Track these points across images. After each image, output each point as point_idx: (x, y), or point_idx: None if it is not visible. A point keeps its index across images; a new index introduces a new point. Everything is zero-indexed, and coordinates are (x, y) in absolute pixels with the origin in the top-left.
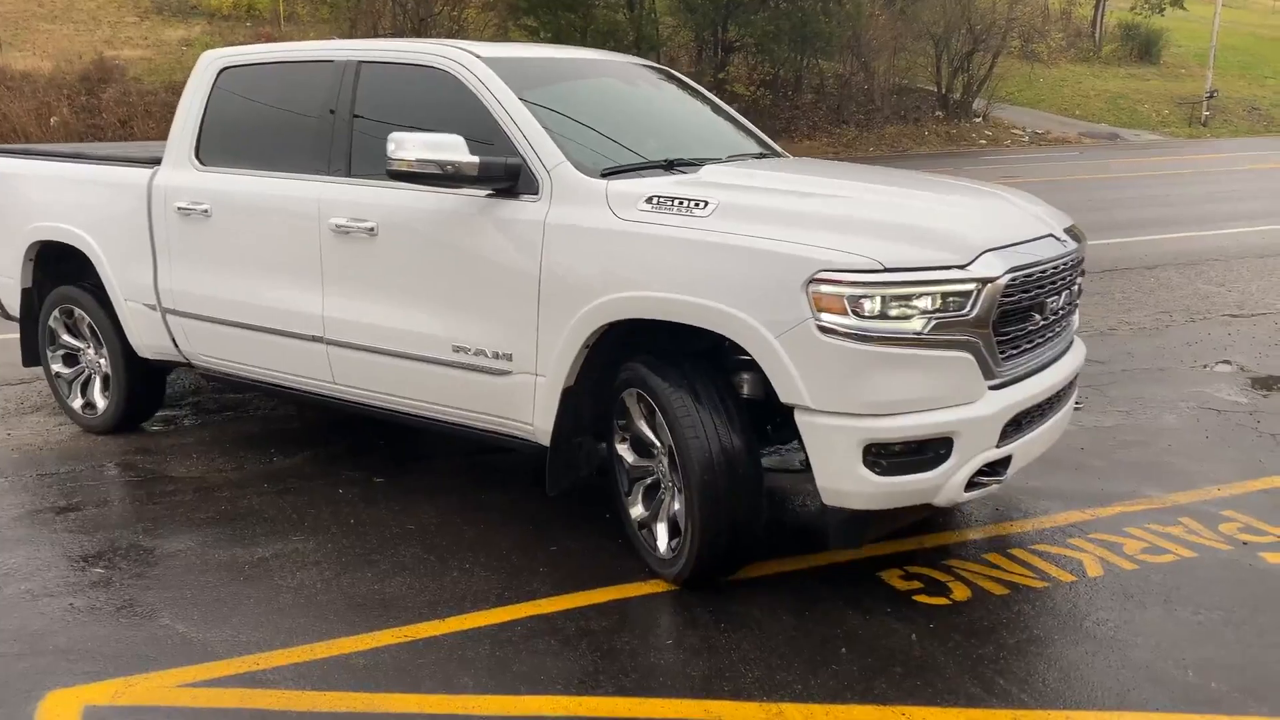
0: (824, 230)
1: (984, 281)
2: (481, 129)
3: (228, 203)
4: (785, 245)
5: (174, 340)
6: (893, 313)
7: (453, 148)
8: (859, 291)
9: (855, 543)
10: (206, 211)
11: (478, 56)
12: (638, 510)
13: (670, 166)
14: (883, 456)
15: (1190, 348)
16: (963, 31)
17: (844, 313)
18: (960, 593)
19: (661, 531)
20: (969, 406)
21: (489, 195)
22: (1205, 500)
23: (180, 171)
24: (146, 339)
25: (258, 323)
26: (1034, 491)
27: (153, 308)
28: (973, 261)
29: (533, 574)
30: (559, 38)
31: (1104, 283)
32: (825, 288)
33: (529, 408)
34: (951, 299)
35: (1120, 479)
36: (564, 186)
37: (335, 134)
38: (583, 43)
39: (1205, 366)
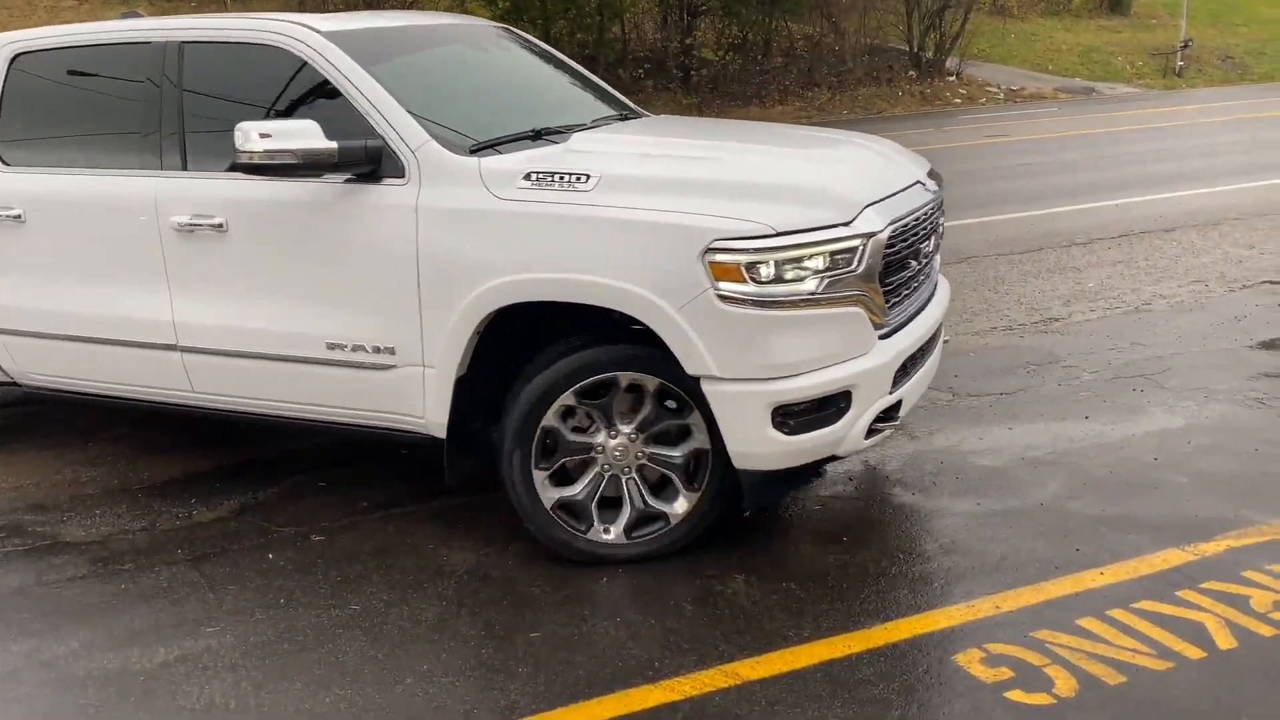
0: (712, 198)
1: (868, 236)
2: (331, 110)
3: (45, 206)
4: (677, 216)
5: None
6: (787, 276)
7: (307, 134)
8: (754, 258)
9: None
10: (19, 217)
11: (316, 30)
12: (573, 491)
13: (538, 136)
14: (790, 416)
15: (1241, 323)
16: None
17: (742, 280)
18: (1065, 684)
19: (621, 519)
20: (864, 359)
21: (348, 181)
22: None
23: None
24: None
25: (95, 334)
26: (1113, 522)
27: None
28: (856, 218)
29: (510, 676)
30: (517, 9)
31: (1123, 250)
32: (721, 256)
33: (419, 400)
34: (840, 257)
35: (1214, 500)
36: (432, 167)
37: (164, 124)
38: (543, 12)
39: (1268, 345)
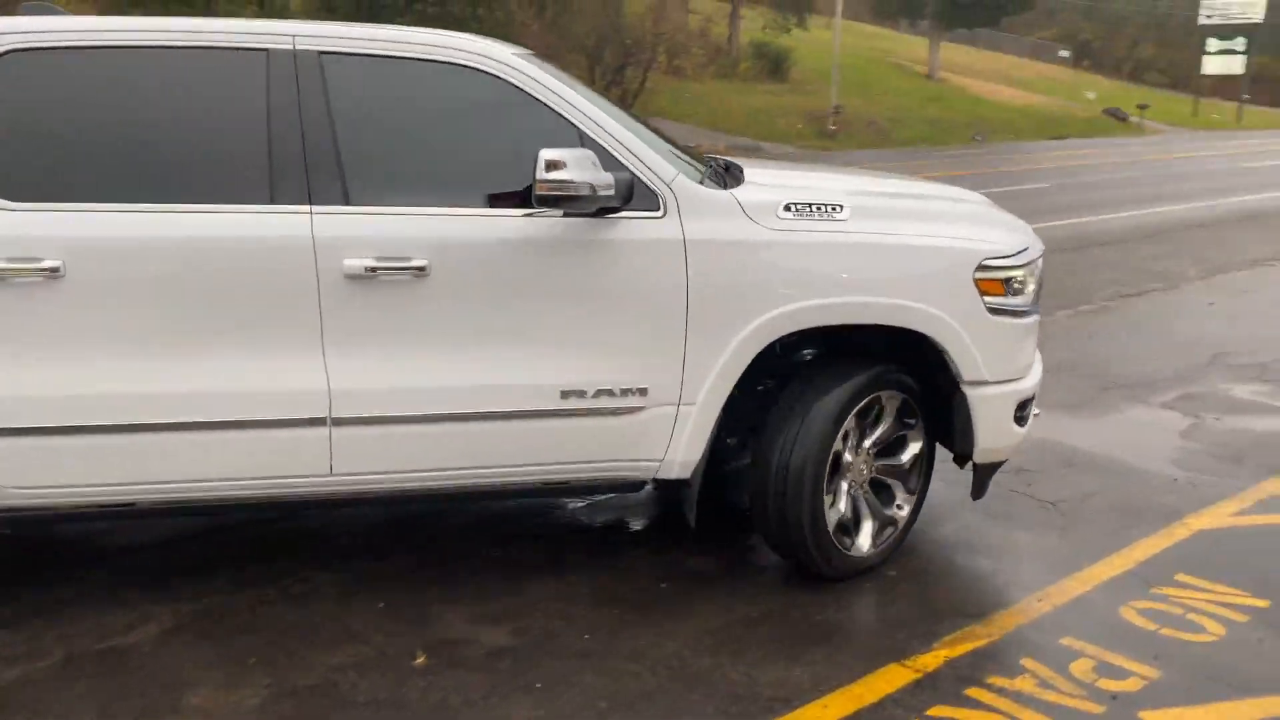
0: (958, 225)
1: (1040, 259)
2: (539, 139)
3: (102, 255)
4: (948, 240)
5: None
6: (1026, 289)
7: (588, 165)
8: (1010, 274)
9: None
10: (55, 271)
11: (518, 55)
12: (842, 510)
13: (727, 171)
14: (1022, 410)
15: None
16: (614, 45)
17: (1003, 293)
18: None
19: (866, 530)
20: (1038, 361)
21: (594, 215)
22: (1034, 623)
23: None
24: None
25: (170, 419)
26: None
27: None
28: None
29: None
30: None
31: None
32: (989, 274)
33: (662, 442)
34: (1039, 275)
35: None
36: (689, 201)
37: (306, 148)
38: None
39: None
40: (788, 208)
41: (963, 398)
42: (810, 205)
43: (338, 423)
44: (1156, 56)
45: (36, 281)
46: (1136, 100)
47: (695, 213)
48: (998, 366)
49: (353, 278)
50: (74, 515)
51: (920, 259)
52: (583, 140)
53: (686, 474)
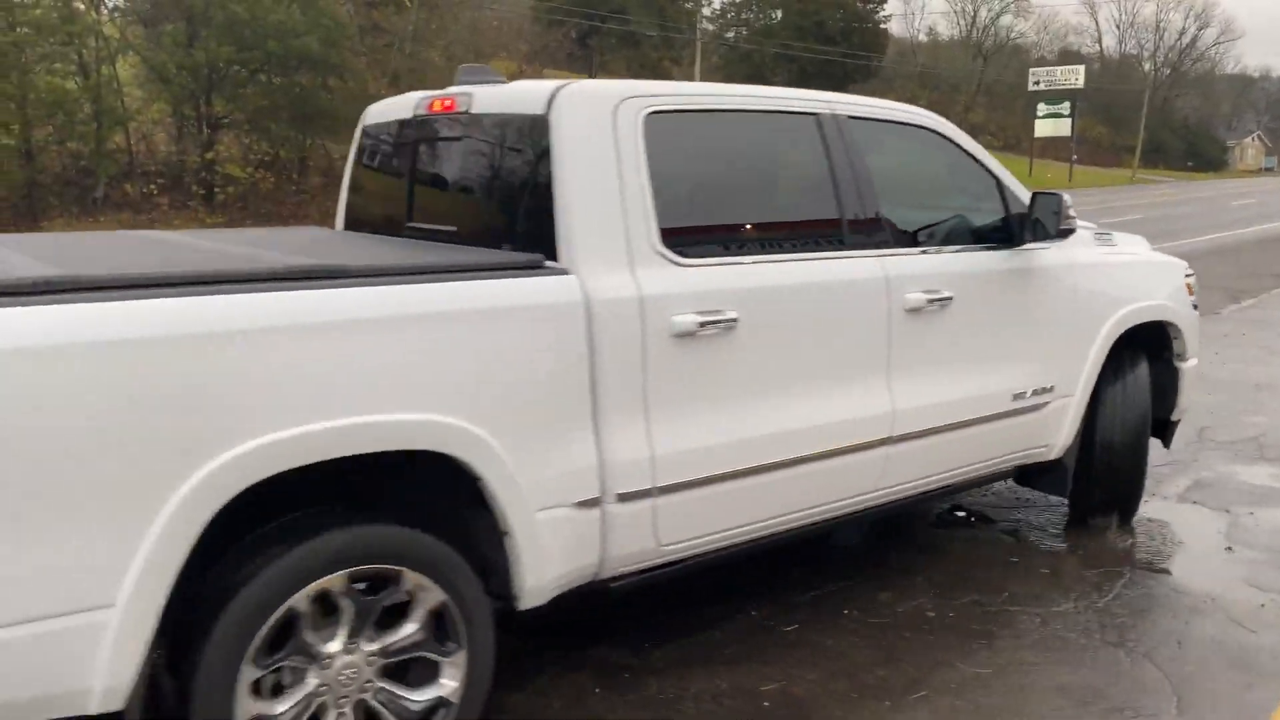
0: (1138, 245)
1: None
2: (965, 185)
3: (764, 305)
4: (1162, 256)
5: (648, 537)
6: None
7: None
8: (1191, 279)
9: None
10: (731, 324)
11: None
12: None
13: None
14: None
15: None
16: None
17: (1193, 293)
18: None
19: None
20: None
21: (1013, 248)
22: None
23: (642, 271)
24: (560, 564)
25: (799, 452)
26: None
27: (591, 504)
28: None
29: None
30: None
31: None
32: (1188, 279)
33: (1055, 430)
34: None
35: None
36: (1053, 233)
37: (861, 199)
38: (20, 116)
39: None
40: (1096, 235)
41: (1178, 370)
42: (1099, 234)
43: (894, 440)
44: (988, 120)
45: (717, 334)
46: None
47: (1060, 244)
48: (1193, 347)
49: (911, 310)
50: (701, 563)
51: (1168, 272)
52: (1000, 187)
53: (1062, 454)
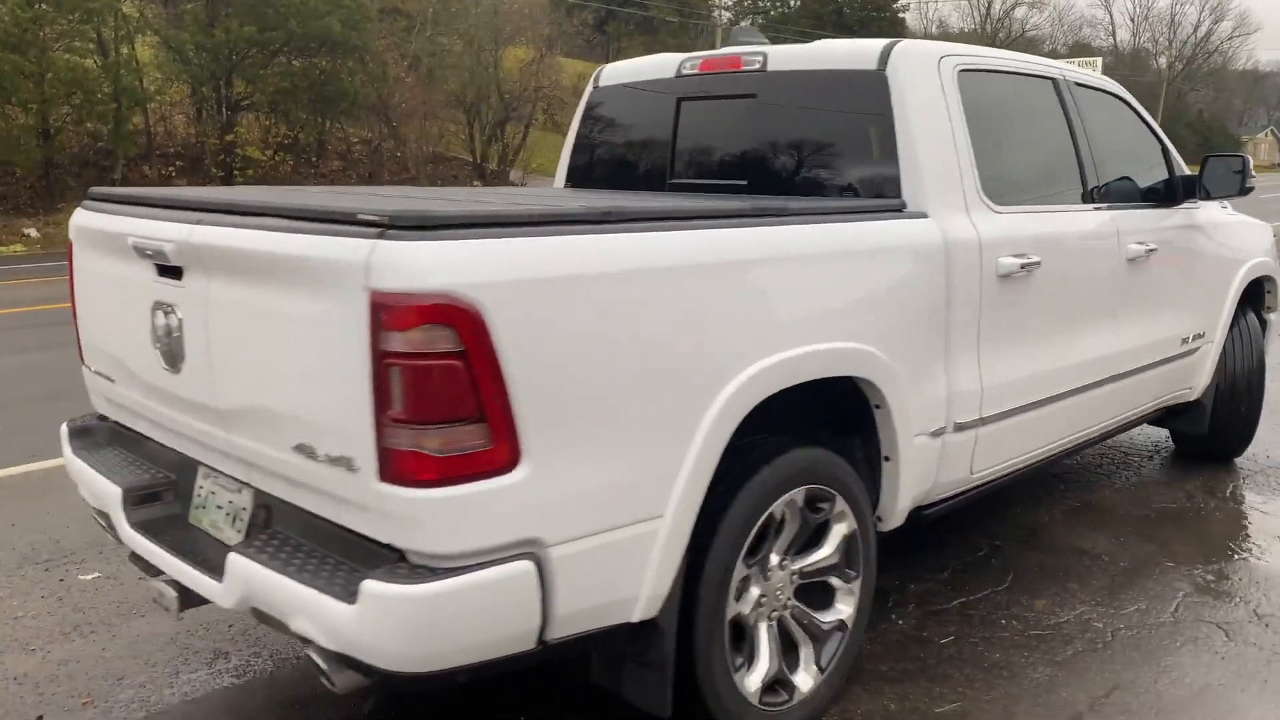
0: None
1: None
2: (1143, 148)
3: (1055, 250)
4: (1259, 221)
5: (966, 466)
6: None
7: None
8: None
9: None
10: (1035, 266)
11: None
12: None
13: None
14: None
15: None
16: (493, 100)
17: None
18: None
19: None
20: None
21: (1174, 206)
22: None
23: (975, 216)
24: (912, 490)
25: (1067, 388)
26: None
27: (939, 433)
28: None
29: None
30: (2, 90)
31: None
32: None
33: (1201, 372)
34: None
35: None
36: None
37: (1083, 159)
38: (39, 95)
39: None
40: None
41: (1267, 322)
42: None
43: (1118, 378)
44: None
45: (1026, 276)
46: None
47: (1208, 205)
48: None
49: (1130, 260)
50: (978, 493)
51: (1265, 233)
52: (1165, 151)
53: (1201, 395)
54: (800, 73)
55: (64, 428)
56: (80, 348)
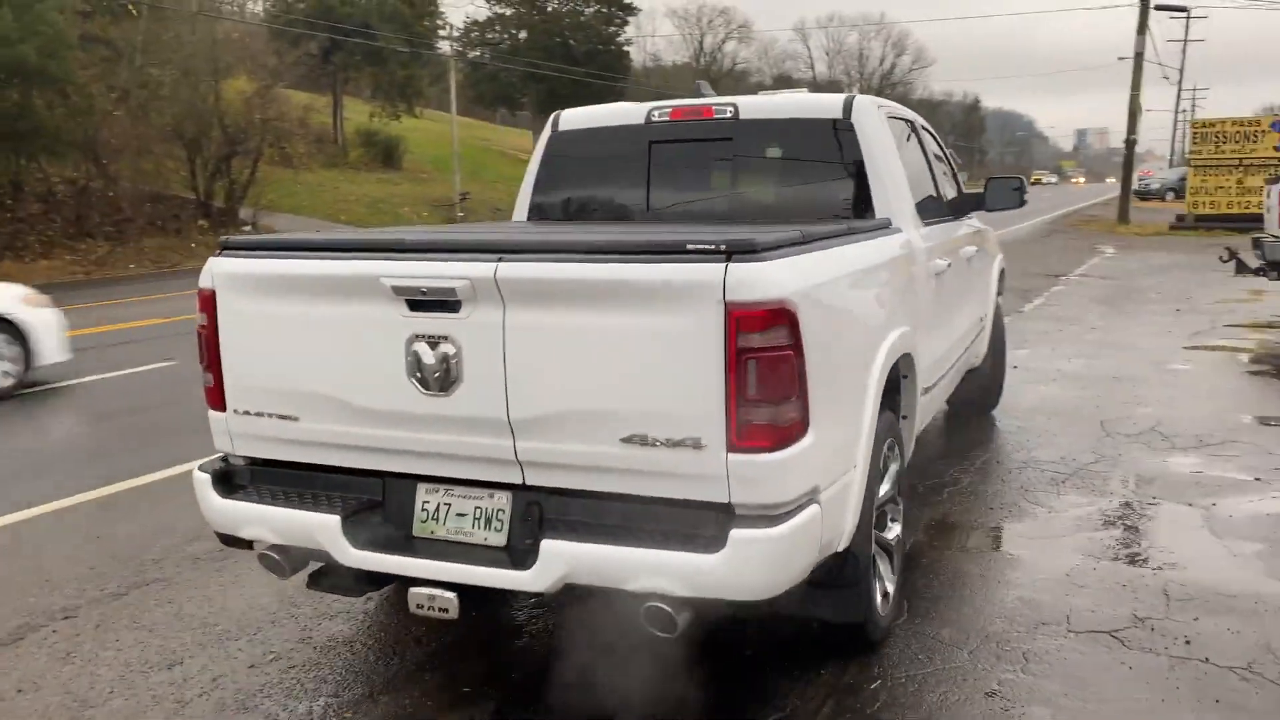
0: None
1: None
2: (947, 171)
3: (950, 254)
4: None
5: (929, 416)
6: None
7: None
8: None
9: None
10: (947, 268)
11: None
12: None
13: None
14: None
15: None
16: (215, 134)
17: None
18: None
19: None
20: None
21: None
22: None
23: (917, 229)
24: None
25: (953, 357)
26: None
27: (926, 391)
28: None
29: None
30: None
31: None
32: None
33: (984, 345)
34: None
35: None
36: None
37: (937, 181)
38: None
39: None
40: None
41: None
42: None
43: (963, 352)
44: None
45: (941, 275)
46: None
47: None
48: None
49: (967, 260)
50: None
51: (993, 234)
52: (955, 172)
53: (982, 362)
54: (771, 120)
55: (200, 474)
56: (218, 393)
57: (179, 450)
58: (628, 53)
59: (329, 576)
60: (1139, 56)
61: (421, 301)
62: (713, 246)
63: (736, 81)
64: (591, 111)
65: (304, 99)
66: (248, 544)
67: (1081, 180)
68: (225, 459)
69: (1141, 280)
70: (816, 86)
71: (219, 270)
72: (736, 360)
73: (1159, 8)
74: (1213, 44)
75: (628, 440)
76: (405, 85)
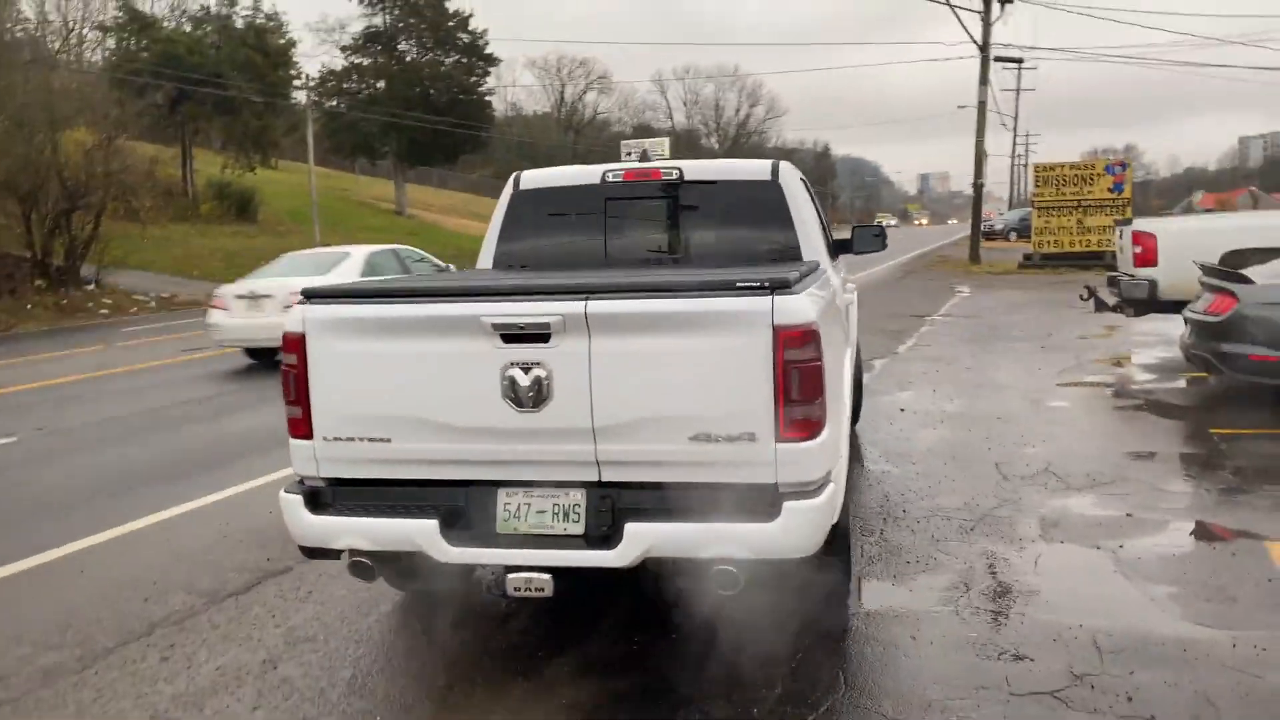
0: None
1: None
2: (822, 219)
3: (851, 287)
4: None
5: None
6: None
7: None
8: None
9: None
10: (852, 296)
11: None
12: None
13: None
14: None
15: None
16: (54, 188)
17: None
18: None
19: None
20: None
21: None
22: None
23: (834, 267)
24: None
25: (855, 373)
26: None
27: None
28: None
29: None
30: None
31: None
32: None
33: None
34: None
35: None
36: None
37: (825, 226)
38: None
39: None
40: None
41: None
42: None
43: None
44: None
45: (849, 302)
46: None
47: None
48: None
49: (849, 292)
50: None
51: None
52: (824, 220)
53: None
54: (711, 182)
55: (290, 495)
56: (304, 424)
57: (33, 538)
58: (490, 102)
59: (369, 568)
60: (982, 105)
61: (516, 335)
62: (759, 284)
63: (599, 131)
64: (550, 173)
65: (150, 150)
66: (335, 554)
67: (925, 221)
68: (302, 481)
69: (1003, 318)
70: (676, 136)
71: (310, 316)
72: (784, 370)
73: (998, 59)
74: (1042, 93)
75: (695, 438)
76: (259, 136)
